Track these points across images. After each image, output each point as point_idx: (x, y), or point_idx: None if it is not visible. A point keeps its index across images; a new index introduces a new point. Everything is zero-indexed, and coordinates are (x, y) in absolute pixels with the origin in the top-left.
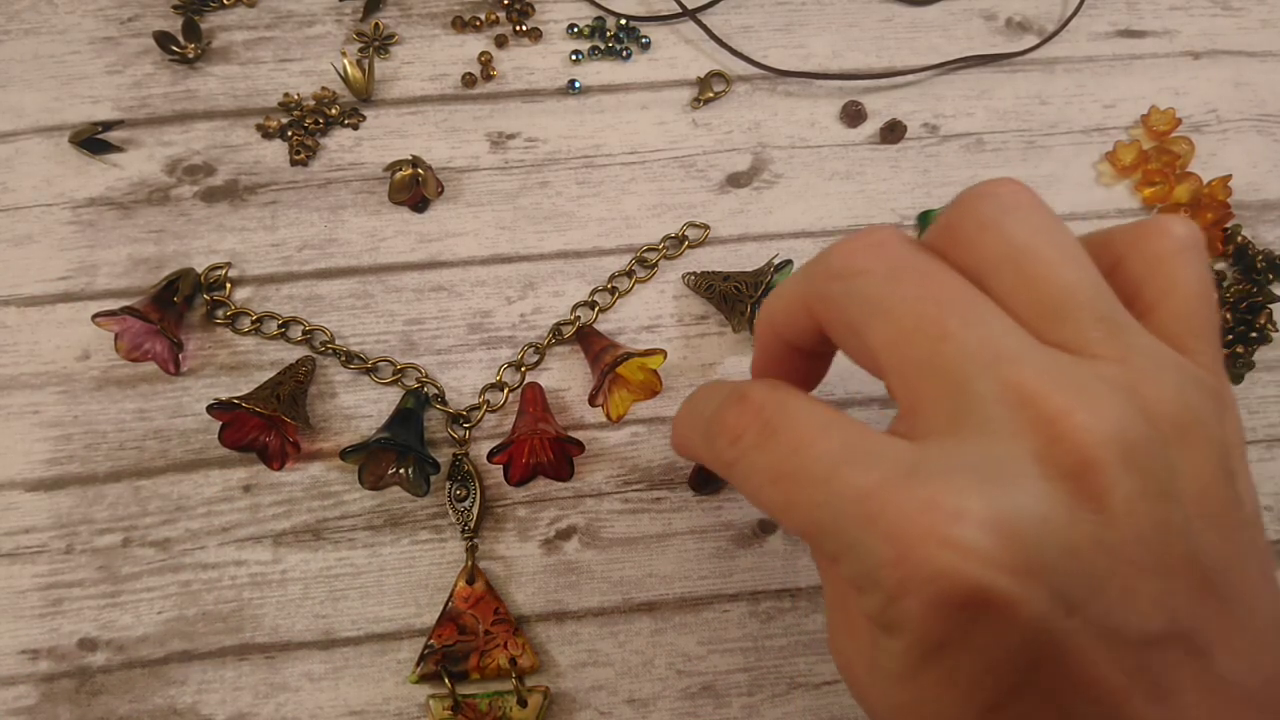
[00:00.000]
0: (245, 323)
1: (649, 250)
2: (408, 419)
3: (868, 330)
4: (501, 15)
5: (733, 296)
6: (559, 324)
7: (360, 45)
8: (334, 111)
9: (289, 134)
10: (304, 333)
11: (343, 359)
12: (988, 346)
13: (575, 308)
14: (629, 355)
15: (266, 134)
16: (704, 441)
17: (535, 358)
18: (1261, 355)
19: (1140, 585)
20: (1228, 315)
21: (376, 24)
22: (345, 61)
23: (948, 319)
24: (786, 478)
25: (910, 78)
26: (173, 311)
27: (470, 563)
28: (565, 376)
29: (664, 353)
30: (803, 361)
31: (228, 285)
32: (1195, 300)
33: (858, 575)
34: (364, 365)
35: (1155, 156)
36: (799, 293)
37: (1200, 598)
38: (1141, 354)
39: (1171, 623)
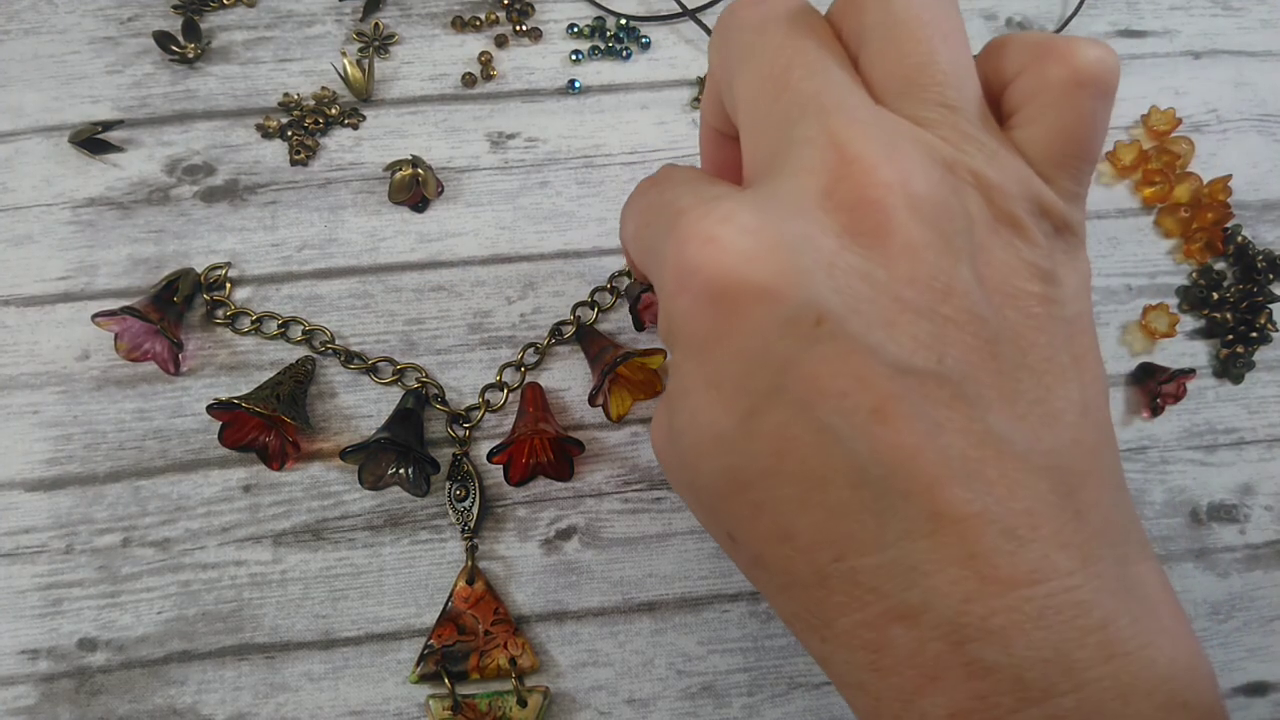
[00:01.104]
0: (245, 323)
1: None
2: (407, 419)
3: (734, 83)
4: (501, 15)
5: None
6: (559, 324)
7: (360, 45)
8: (334, 111)
9: (289, 134)
10: (304, 333)
11: (343, 359)
12: (819, 98)
13: (575, 308)
14: (629, 355)
15: (266, 134)
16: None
17: (535, 358)
18: (1262, 355)
19: (905, 321)
20: (1228, 315)
21: (376, 24)
22: (345, 61)
23: (792, 71)
24: (648, 212)
25: None
26: (172, 311)
27: (470, 563)
28: (565, 376)
29: (664, 353)
30: (733, 148)
31: (227, 285)
32: (1069, 134)
33: (659, 292)
34: (364, 365)
35: (1155, 156)
36: (710, 67)
37: (978, 356)
38: (978, 144)
39: (938, 364)
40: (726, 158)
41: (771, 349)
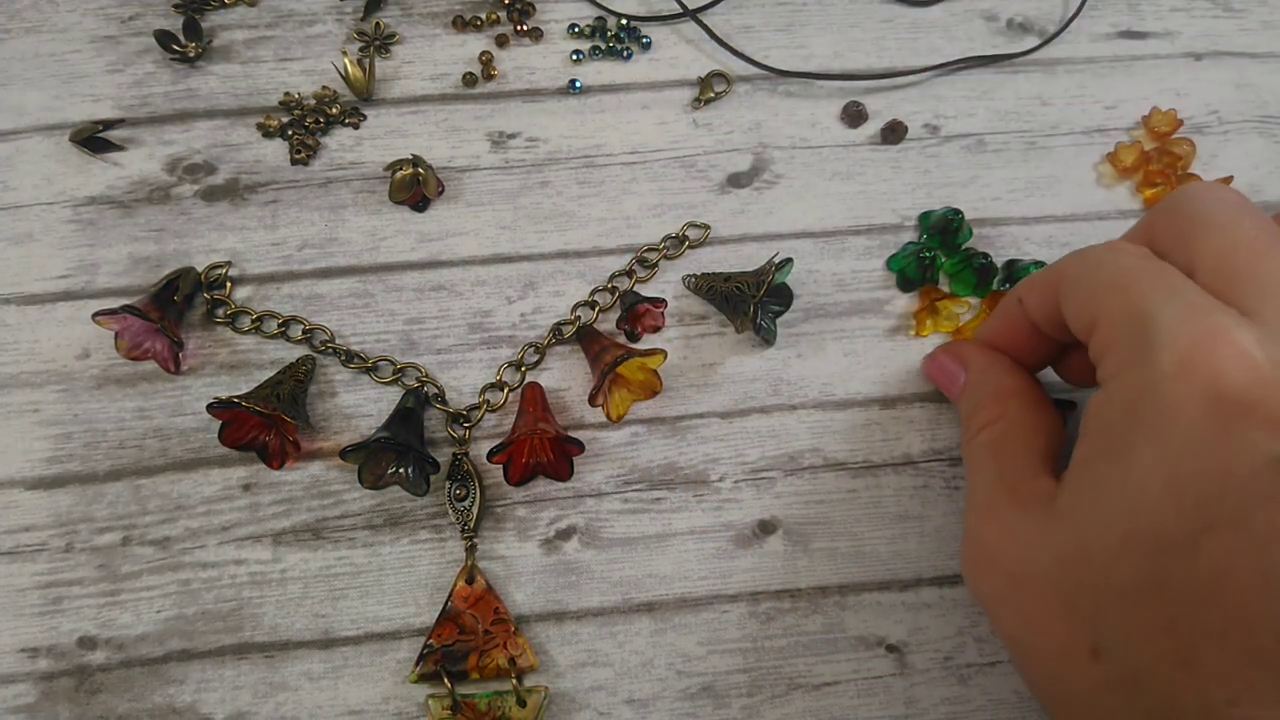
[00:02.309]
0: (245, 322)
1: (649, 250)
2: (408, 418)
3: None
4: (502, 15)
5: (735, 297)
6: (559, 324)
7: (361, 44)
8: (335, 111)
9: (289, 133)
10: (304, 332)
11: (343, 358)
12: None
13: (575, 307)
14: (629, 355)
15: (267, 133)
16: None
17: (535, 357)
18: None
19: None
20: None
21: (377, 23)
22: (346, 61)
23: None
24: (1135, 269)
25: (911, 78)
26: (173, 310)
27: (470, 562)
28: (565, 376)
29: (664, 353)
30: (1039, 341)
31: (228, 284)
32: None
33: (1131, 362)
34: (364, 364)
35: (1156, 158)
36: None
37: None
38: None
39: None
40: (1024, 346)
41: (1255, 477)
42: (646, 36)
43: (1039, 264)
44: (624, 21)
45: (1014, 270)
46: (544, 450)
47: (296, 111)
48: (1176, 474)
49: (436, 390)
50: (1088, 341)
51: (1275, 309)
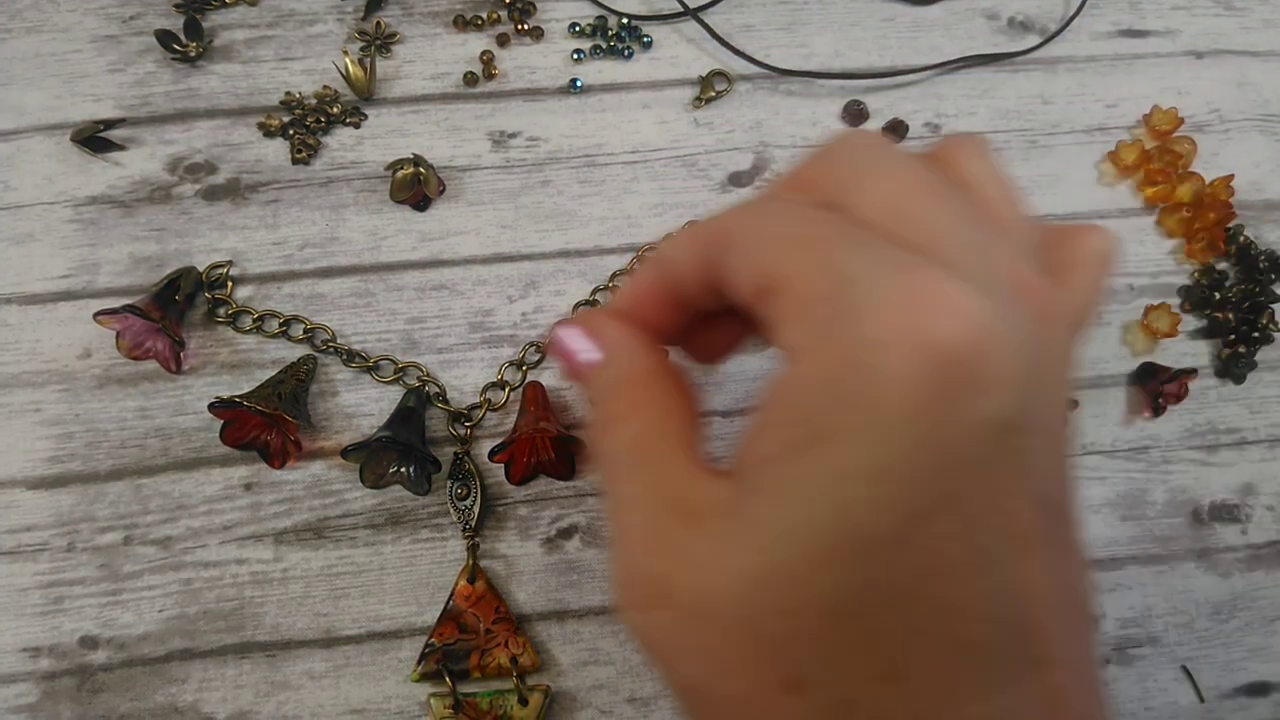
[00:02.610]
0: (247, 321)
1: (650, 249)
2: (409, 418)
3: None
4: (503, 14)
5: None
6: (560, 323)
7: (362, 44)
8: (335, 110)
9: (290, 132)
10: (305, 331)
11: (344, 357)
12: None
13: (577, 306)
14: None
15: (268, 132)
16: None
17: (537, 356)
18: (1264, 355)
19: (1060, 455)
20: (1230, 315)
21: (378, 22)
22: (347, 60)
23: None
24: (831, 235)
25: (912, 77)
26: (174, 310)
27: (471, 561)
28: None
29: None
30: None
31: (229, 284)
32: (1091, 301)
33: (824, 329)
34: (365, 364)
35: (1157, 156)
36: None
37: (1061, 481)
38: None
39: (1064, 503)
40: (664, 316)
41: (975, 450)
42: (647, 35)
43: None
44: (625, 21)
45: None
46: (545, 449)
47: (297, 111)
48: (886, 459)
49: (438, 389)
50: (758, 307)
51: (964, 250)
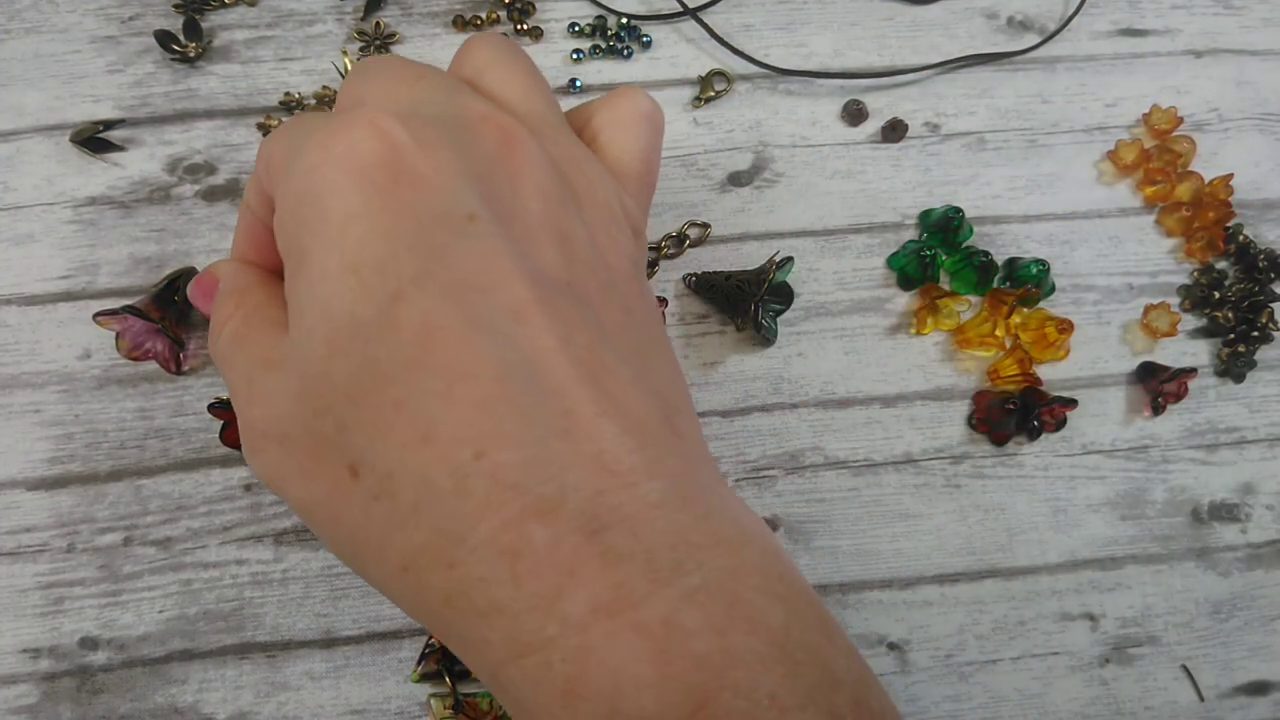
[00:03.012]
0: None
1: (649, 249)
2: None
3: None
4: (502, 14)
5: (735, 295)
6: None
7: (361, 44)
8: None
9: None
10: None
11: None
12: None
13: None
14: None
15: (268, 133)
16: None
17: None
18: (1263, 354)
19: (542, 243)
20: (1230, 314)
21: (377, 23)
22: (346, 60)
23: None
24: (297, 128)
25: (912, 76)
26: (174, 311)
27: None
28: None
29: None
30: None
31: None
32: (632, 153)
33: (285, 178)
34: None
35: (1157, 155)
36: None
37: (598, 291)
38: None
39: (568, 286)
40: (273, 253)
41: (424, 234)
42: (647, 35)
43: (1040, 262)
44: (624, 20)
45: (1015, 269)
46: None
47: (297, 111)
48: (347, 252)
49: None
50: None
51: (379, 100)
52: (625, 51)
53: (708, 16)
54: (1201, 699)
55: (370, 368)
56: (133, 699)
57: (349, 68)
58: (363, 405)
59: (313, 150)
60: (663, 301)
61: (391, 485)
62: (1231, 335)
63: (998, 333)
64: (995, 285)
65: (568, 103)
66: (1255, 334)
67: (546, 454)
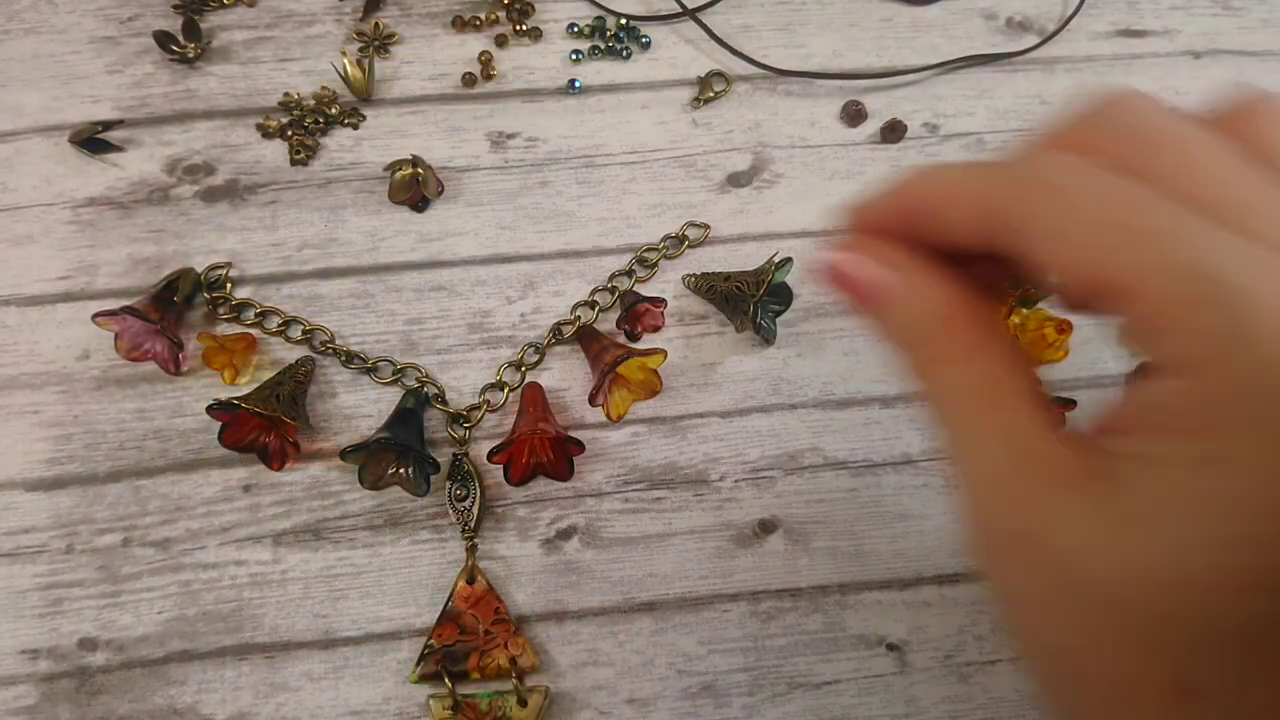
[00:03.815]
0: (250, 314)
1: (649, 250)
2: (408, 419)
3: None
4: (502, 15)
5: (735, 296)
6: (559, 324)
7: (360, 45)
8: (334, 111)
9: (289, 133)
10: (304, 332)
11: (343, 359)
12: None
13: (575, 307)
14: (629, 355)
15: (266, 133)
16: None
17: (535, 357)
18: None
19: None
20: None
21: (376, 23)
22: (345, 61)
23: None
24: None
25: (911, 77)
26: (173, 311)
27: (470, 562)
28: (565, 376)
29: (664, 352)
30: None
31: (228, 285)
32: None
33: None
34: (364, 365)
35: None
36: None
37: None
38: None
39: None
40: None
41: None
42: (646, 36)
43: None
44: (623, 21)
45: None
46: (544, 450)
47: (296, 112)
48: None
49: (436, 390)
50: (1091, 299)
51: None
52: (624, 52)
53: (707, 17)
54: None
55: (1273, 620)
56: (131, 700)
57: (348, 68)
58: (1245, 648)
59: (1268, 335)
60: (662, 302)
61: None
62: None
63: None
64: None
65: (567, 103)
66: None
67: None
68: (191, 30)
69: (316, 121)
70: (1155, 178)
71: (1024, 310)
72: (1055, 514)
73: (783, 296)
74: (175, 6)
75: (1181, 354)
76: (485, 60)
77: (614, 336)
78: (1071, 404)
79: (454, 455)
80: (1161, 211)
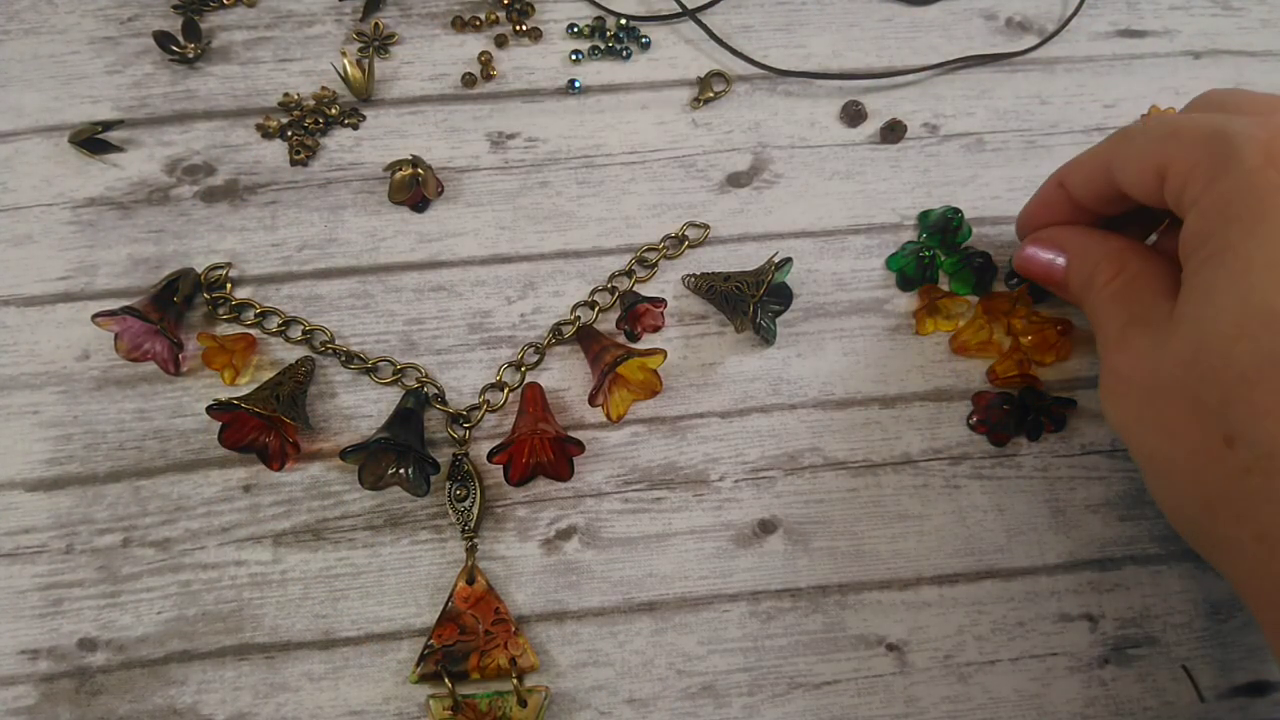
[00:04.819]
0: (250, 315)
1: (649, 250)
2: (407, 419)
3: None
4: (501, 15)
5: (734, 296)
6: (559, 324)
7: (360, 45)
8: (334, 111)
9: (289, 134)
10: (304, 333)
11: (342, 359)
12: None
13: (575, 307)
14: (629, 355)
15: (266, 134)
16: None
17: (535, 357)
18: None
19: None
20: None
21: (376, 24)
22: (345, 61)
23: None
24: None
25: (910, 77)
26: (173, 311)
27: (470, 563)
28: (565, 376)
29: (664, 353)
30: (1078, 214)
31: (228, 285)
32: None
33: (1216, 163)
34: (364, 365)
35: None
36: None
37: None
38: None
39: None
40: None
41: None
42: (646, 36)
43: None
44: (623, 21)
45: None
46: (544, 450)
47: (296, 112)
48: (1277, 250)
49: (436, 391)
50: (1154, 198)
51: None
52: (624, 52)
53: (706, 17)
54: (1202, 699)
55: (1276, 357)
56: (131, 700)
57: (348, 68)
58: (1257, 388)
59: (1253, 154)
60: (662, 302)
61: (1271, 464)
62: None
63: (995, 338)
64: (994, 287)
65: (567, 103)
66: None
67: None
68: (191, 30)
69: (316, 122)
70: (1216, 108)
71: (1025, 310)
72: (1134, 350)
73: (783, 296)
74: (175, 6)
75: (1191, 198)
76: (485, 60)
77: (614, 336)
78: (1072, 404)
79: (454, 455)
80: (1194, 117)
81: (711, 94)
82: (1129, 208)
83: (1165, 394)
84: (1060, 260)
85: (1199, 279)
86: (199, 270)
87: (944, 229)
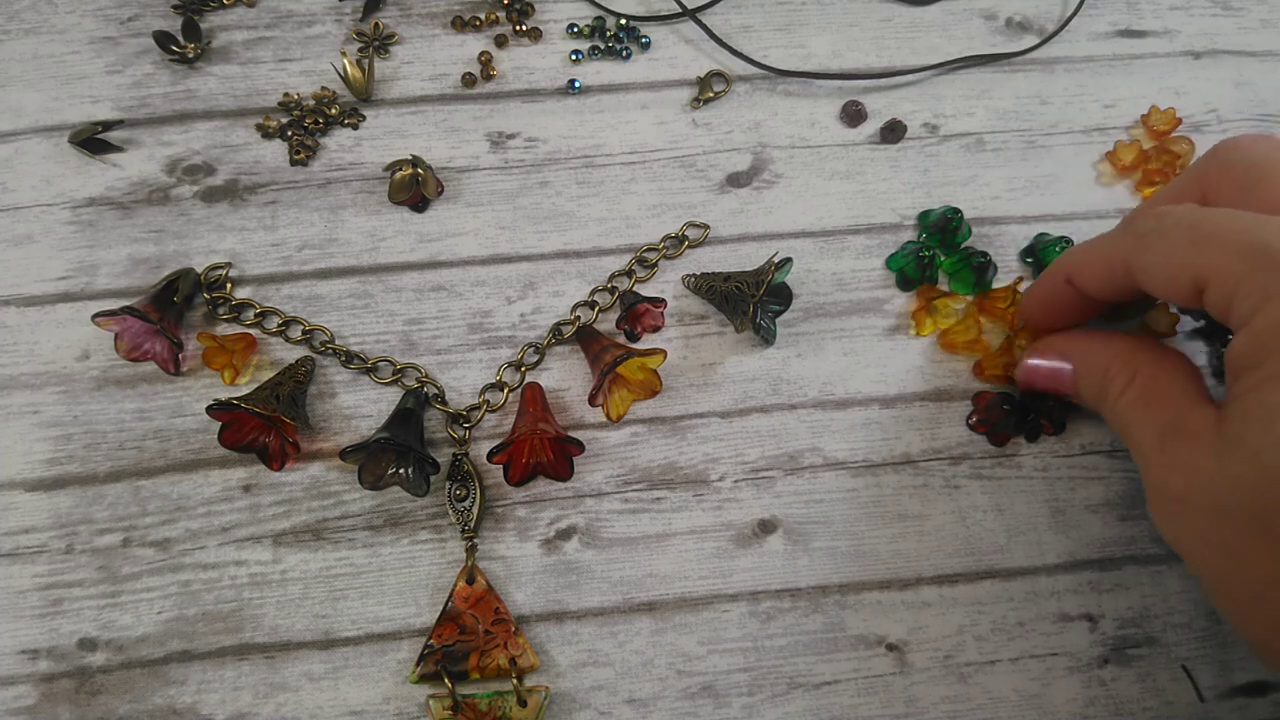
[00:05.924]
0: (250, 314)
1: (649, 250)
2: (407, 419)
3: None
4: (501, 15)
5: (734, 296)
6: (559, 324)
7: (360, 45)
8: (334, 111)
9: (289, 134)
10: (304, 332)
11: (342, 359)
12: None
13: (575, 308)
14: (629, 355)
15: (266, 134)
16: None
17: (535, 357)
18: None
19: None
20: None
21: (376, 24)
22: (345, 61)
23: None
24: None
25: (910, 77)
26: (173, 311)
27: (470, 562)
28: (565, 376)
29: (664, 353)
30: (1087, 306)
31: (228, 285)
32: None
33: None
34: (364, 365)
35: (1155, 156)
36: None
37: None
38: None
39: None
40: (1072, 319)
41: None
42: (646, 36)
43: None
44: (623, 21)
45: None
46: (544, 450)
47: (296, 112)
48: None
49: (436, 391)
50: (1188, 303)
51: None
52: (624, 53)
53: (706, 17)
54: (1202, 699)
55: None
56: (131, 700)
57: (348, 68)
58: None
59: None
60: (662, 302)
61: None
62: (1229, 336)
63: (983, 336)
64: (992, 285)
65: (567, 103)
66: None
67: None
68: (191, 30)
69: (316, 122)
70: (1244, 204)
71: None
72: (1189, 466)
73: (782, 297)
74: (175, 6)
75: (1244, 311)
76: (485, 60)
77: (614, 336)
78: (1072, 405)
79: (454, 455)
80: (1233, 220)
81: (711, 94)
82: (1143, 298)
83: (1229, 519)
84: (1066, 367)
85: (1256, 399)
86: (199, 270)
87: (944, 229)
